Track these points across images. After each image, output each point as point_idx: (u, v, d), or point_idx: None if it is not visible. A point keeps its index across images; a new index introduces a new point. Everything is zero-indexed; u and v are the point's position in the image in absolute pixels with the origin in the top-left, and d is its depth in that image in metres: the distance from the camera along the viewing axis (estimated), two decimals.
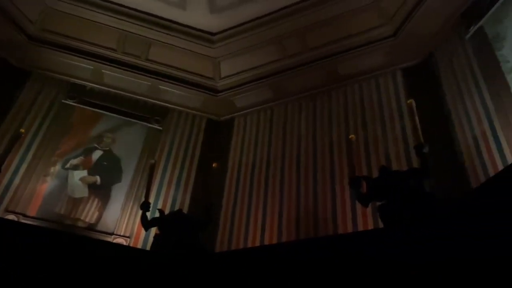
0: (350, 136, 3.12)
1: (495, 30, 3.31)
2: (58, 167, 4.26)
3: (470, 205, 1.91)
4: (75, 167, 4.31)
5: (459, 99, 3.55)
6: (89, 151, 4.46)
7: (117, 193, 4.29)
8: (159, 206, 4.20)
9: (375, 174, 2.93)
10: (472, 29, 3.56)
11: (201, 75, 5.12)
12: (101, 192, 4.24)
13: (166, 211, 3.73)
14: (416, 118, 2.59)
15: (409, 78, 4.21)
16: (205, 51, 5.01)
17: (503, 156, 2.92)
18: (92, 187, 4.24)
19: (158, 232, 3.28)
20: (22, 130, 3.71)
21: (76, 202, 4.11)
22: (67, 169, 4.27)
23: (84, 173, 4.30)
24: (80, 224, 4.02)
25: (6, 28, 4.41)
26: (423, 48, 4.17)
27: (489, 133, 3.11)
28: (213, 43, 4.94)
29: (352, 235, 3.07)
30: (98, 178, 4.31)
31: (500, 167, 2.90)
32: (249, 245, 3.97)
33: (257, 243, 3.94)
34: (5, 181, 3.96)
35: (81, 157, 4.39)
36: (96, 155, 4.47)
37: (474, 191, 2.54)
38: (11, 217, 3.80)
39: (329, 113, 4.49)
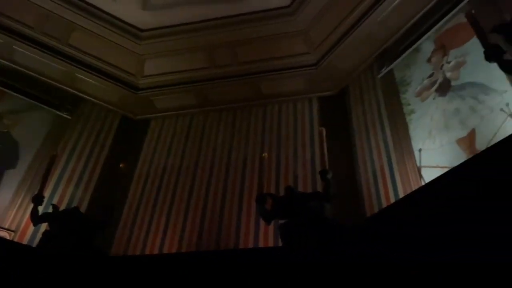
0: (263, 154, 3.20)
1: (402, 74, 3.69)
2: None
3: (364, 232, 2.06)
4: None
5: (365, 134, 3.86)
6: None
7: (10, 180, 3.92)
8: (55, 201, 3.90)
9: (282, 194, 3.03)
10: (384, 71, 3.93)
11: (123, 70, 4.94)
12: None
13: (62, 208, 3.47)
14: (325, 145, 2.76)
15: (324, 107, 4.49)
16: (131, 46, 4.86)
17: (395, 189, 3.21)
18: None
19: (48, 228, 3.03)
20: None
21: None
22: None
23: None
24: None
25: None
26: (339, 81, 4.50)
27: (386, 169, 3.39)
28: (141, 39, 4.81)
29: (250, 251, 3.13)
30: None
31: (393, 199, 3.19)
32: (147, 251, 3.85)
33: (156, 251, 3.84)
34: None
35: None
36: None
37: (369, 219, 2.73)
38: None
39: (247, 129, 4.59)
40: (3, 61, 4.49)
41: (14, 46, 4.46)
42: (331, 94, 4.56)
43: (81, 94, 4.84)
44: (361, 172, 3.67)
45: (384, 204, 3.21)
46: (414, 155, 3.20)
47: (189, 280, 2.44)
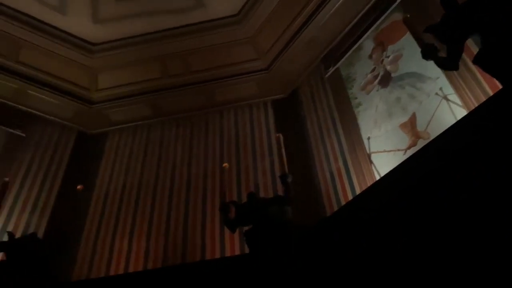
0: (224, 165, 3.21)
1: (348, 71, 3.99)
2: None
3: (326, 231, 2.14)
4: None
5: (320, 137, 4.05)
6: None
7: None
8: (10, 229, 3.72)
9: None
10: (331, 70, 4.21)
11: (76, 84, 4.92)
12: None
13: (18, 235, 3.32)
14: (283, 150, 2.82)
15: (278, 111, 4.67)
16: (82, 60, 4.85)
17: (353, 189, 3.34)
18: None
19: (5, 258, 2.90)
20: None
21: None
22: None
23: None
24: None
25: None
26: (290, 84, 4.72)
27: (343, 170, 3.53)
28: (93, 53, 4.82)
29: (217, 261, 3.15)
30: None
31: (350, 194, 3.36)
32: (112, 272, 3.75)
33: (121, 271, 3.75)
34: None
35: None
36: None
37: (328, 219, 2.82)
38: None
39: (205, 140, 4.62)
40: None
41: None
42: (283, 96, 4.76)
43: (34, 111, 4.72)
44: (319, 175, 3.78)
45: (343, 202, 3.33)
46: (364, 144, 3.46)
47: None
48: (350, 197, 3.33)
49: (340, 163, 3.61)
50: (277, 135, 2.93)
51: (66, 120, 4.91)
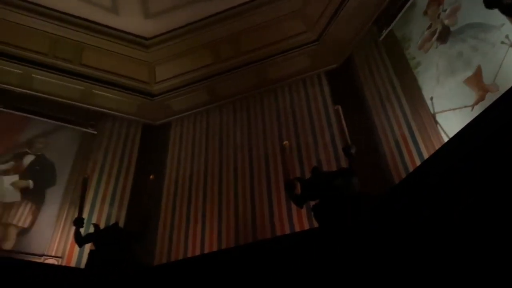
0: (284, 143, 3.21)
1: (403, 32, 3.80)
2: None
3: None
4: (5, 172, 4.14)
5: (379, 103, 3.90)
6: (19, 156, 4.30)
7: (52, 197, 4.16)
8: (94, 220, 4.05)
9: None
10: (384, 32, 4.04)
11: (136, 79, 5.16)
12: (34, 196, 4.10)
13: (102, 225, 3.60)
14: (343, 122, 2.76)
15: (333, 82, 4.56)
16: (139, 55, 5.07)
17: (421, 156, 3.21)
18: (24, 191, 4.09)
19: (93, 247, 3.16)
20: None
21: (7, 207, 3.93)
22: None
23: (15, 177, 4.14)
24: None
25: None
26: (343, 52, 4.58)
27: (408, 136, 3.40)
28: (147, 47, 5.02)
29: (288, 236, 3.19)
30: (30, 182, 4.16)
31: (417, 159, 3.24)
32: (189, 255, 3.94)
33: (198, 253, 3.93)
34: None
35: (11, 163, 4.22)
36: (28, 160, 4.31)
37: (396, 187, 2.75)
38: None
39: (263, 122, 4.64)
40: (24, 90, 4.73)
41: (32, 75, 4.72)
42: (337, 66, 4.63)
43: (101, 109, 5.04)
44: (383, 144, 3.67)
45: (411, 168, 3.22)
46: (427, 105, 3.30)
47: (234, 275, 2.51)
48: (418, 162, 3.21)
49: (404, 129, 3.48)
50: (336, 106, 2.88)
51: (131, 115, 5.18)
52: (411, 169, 3.24)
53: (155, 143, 5.08)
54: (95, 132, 4.82)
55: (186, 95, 5.17)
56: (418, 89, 3.43)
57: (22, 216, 3.94)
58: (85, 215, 3.69)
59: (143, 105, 5.19)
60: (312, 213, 2.59)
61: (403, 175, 3.27)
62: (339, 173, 2.55)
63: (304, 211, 3.54)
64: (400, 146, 3.46)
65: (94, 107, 5.00)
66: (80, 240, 3.12)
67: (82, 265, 3.65)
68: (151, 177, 3.71)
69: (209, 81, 5.06)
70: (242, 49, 4.92)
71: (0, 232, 3.79)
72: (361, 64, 4.33)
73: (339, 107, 2.84)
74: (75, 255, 3.89)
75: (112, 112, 5.09)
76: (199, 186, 4.44)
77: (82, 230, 3.18)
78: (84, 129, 4.79)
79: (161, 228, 4.26)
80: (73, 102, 4.91)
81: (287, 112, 4.56)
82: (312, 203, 2.61)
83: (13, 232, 3.84)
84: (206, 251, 3.89)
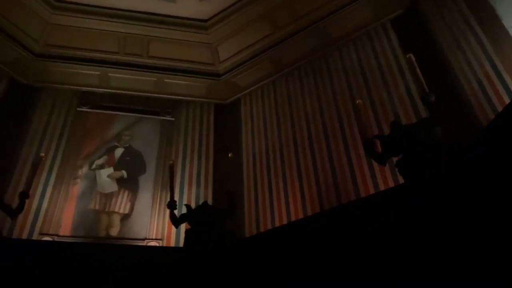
0: (357, 102, 3.10)
1: None
2: (85, 169, 4.54)
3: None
4: (101, 166, 4.59)
5: (455, 43, 3.60)
6: (110, 150, 4.75)
7: (145, 183, 4.56)
8: (184, 201, 4.30)
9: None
10: None
11: (201, 62, 5.33)
12: (129, 184, 4.53)
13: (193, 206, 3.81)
14: (418, 70, 2.60)
15: (400, 29, 4.29)
16: (201, 38, 5.21)
17: (510, 93, 2.94)
18: (120, 181, 4.52)
19: (188, 227, 3.36)
20: (42, 155, 3.78)
21: (108, 197, 4.38)
22: (94, 169, 4.56)
23: (110, 170, 4.59)
24: (114, 226, 4.21)
25: (12, 49, 4.67)
26: None
27: (492, 74, 3.13)
28: (207, 29, 5.13)
29: (371, 197, 3.13)
30: (124, 173, 4.59)
31: (506, 97, 2.99)
32: (277, 224, 4.05)
33: (284, 222, 4.02)
34: (34, 205, 4.10)
35: (105, 157, 4.68)
36: (118, 152, 4.75)
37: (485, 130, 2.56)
38: (47, 238, 3.94)
39: (331, 84, 4.53)
40: (104, 89, 5.15)
41: (109, 74, 5.10)
42: (402, 12, 4.35)
43: (174, 97, 5.31)
44: (464, 85, 3.42)
45: (500, 108, 2.97)
46: (510, 35, 3.01)
47: (323, 237, 2.52)
48: (507, 100, 2.95)
49: (487, 66, 3.20)
50: (407, 55, 2.71)
51: (202, 97, 5.39)
52: (499, 108, 2.99)
53: (228, 122, 5.25)
54: (173, 119, 5.12)
55: (251, 69, 5.22)
56: (497, 20, 3.13)
57: (122, 204, 4.36)
58: (176, 198, 3.93)
59: (211, 86, 5.36)
60: (396, 169, 2.51)
61: (491, 117, 3.03)
62: (420, 124, 2.42)
63: (387, 168, 3.45)
64: (484, 86, 3.21)
65: (167, 96, 5.29)
66: (175, 221, 3.33)
67: (181, 244, 3.93)
68: (230, 155, 3.83)
69: (272, 50, 5.05)
70: (299, 13, 4.82)
71: (106, 220, 4.22)
72: (428, 4, 4.02)
73: (411, 55, 2.67)
74: (173, 236, 4.18)
75: (185, 98, 5.34)
76: (276, 158, 4.50)
77: (175, 212, 3.39)
78: (162, 117, 5.11)
79: (247, 201, 4.41)
80: (149, 94, 5.24)
81: (355, 70, 4.41)
82: (395, 159, 2.52)
83: (116, 219, 4.25)
84: (292, 218, 3.97)
